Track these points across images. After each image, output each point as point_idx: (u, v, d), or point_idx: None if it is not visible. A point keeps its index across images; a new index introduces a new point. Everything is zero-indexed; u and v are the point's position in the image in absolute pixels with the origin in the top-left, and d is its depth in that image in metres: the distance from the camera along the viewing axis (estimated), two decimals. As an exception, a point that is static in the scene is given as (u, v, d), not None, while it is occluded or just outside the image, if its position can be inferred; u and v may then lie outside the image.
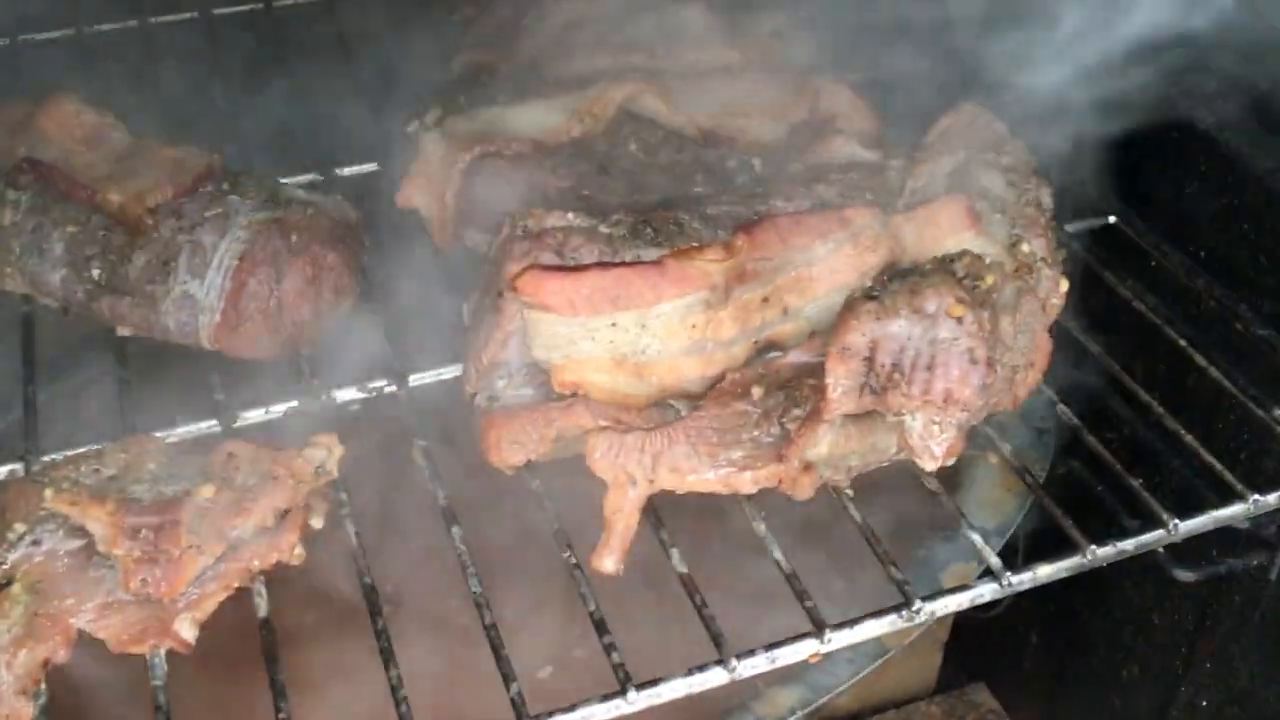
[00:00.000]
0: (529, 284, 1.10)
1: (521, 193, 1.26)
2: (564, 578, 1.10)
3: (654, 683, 1.03)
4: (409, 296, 1.36)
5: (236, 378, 1.27)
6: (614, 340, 1.13)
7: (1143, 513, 1.18)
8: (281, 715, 0.98)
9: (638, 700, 1.02)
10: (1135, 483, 1.20)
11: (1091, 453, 1.25)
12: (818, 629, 1.07)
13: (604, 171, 1.28)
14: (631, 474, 1.09)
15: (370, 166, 1.54)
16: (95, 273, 1.26)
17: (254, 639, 1.03)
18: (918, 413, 1.09)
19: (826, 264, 1.18)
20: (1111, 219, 1.50)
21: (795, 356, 1.17)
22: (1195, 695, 1.59)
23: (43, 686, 1.00)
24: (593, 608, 1.06)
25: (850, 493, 1.16)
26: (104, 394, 1.29)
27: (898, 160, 1.35)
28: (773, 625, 1.10)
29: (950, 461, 1.12)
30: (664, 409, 1.16)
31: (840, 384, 1.08)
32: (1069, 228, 1.47)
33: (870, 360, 1.08)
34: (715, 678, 1.04)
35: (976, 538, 1.15)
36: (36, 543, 1.05)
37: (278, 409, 1.25)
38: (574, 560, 1.11)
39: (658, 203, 1.24)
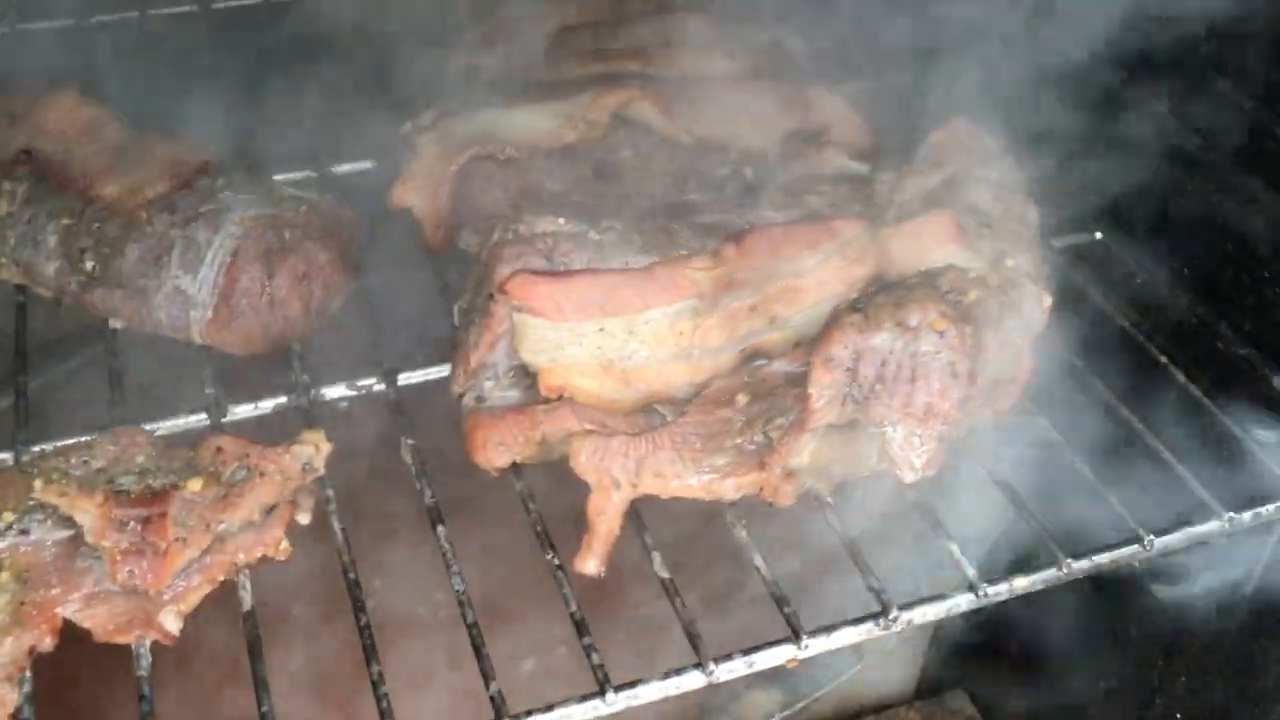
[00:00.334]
0: (519, 287, 1.11)
1: (514, 197, 1.27)
2: (546, 578, 1.11)
3: (632, 684, 1.04)
4: (400, 296, 1.37)
5: (226, 372, 1.28)
6: (601, 345, 1.14)
7: (1119, 527, 1.20)
8: (264, 709, 0.99)
9: (616, 701, 1.03)
10: (1112, 497, 1.21)
11: (1070, 466, 1.27)
12: (795, 635, 1.08)
13: (597, 177, 1.30)
14: (615, 478, 1.10)
15: (365, 164, 1.55)
16: (89, 265, 1.27)
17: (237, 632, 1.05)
18: (899, 424, 1.11)
19: (814, 275, 1.20)
20: (1097, 235, 1.52)
21: (780, 366, 1.19)
22: (1170, 709, 1.61)
23: (28, 674, 1.01)
24: (574, 609, 1.08)
25: (830, 501, 1.17)
26: (94, 385, 1.30)
27: (887, 173, 1.36)
28: (750, 631, 1.11)
29: (930, 473, 1.13)
30: (649, 414, 1.17)
31: (823, 394, 1.10)
32: (1054, 243, 1.48)
33: (854, 371, 1.10)
34: (693, 681, 1.05)
35: (954, 548, 1.16)
36: (24, 532, 1.06)
37: (266, 405, 1.26)
38: (557, 561, 1.12)
39: (649, 210, 1.26)
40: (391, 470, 1.24)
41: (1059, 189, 1.47)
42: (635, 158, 1.35)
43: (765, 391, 1.17)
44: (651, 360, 1.16)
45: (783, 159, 1.40)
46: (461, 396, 1.20)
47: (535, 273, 1.13)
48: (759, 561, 1.13)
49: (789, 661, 1.09)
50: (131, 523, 1.03)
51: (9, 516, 1.07)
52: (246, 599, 1.07)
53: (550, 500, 1.16)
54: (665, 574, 1.12)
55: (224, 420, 1.24)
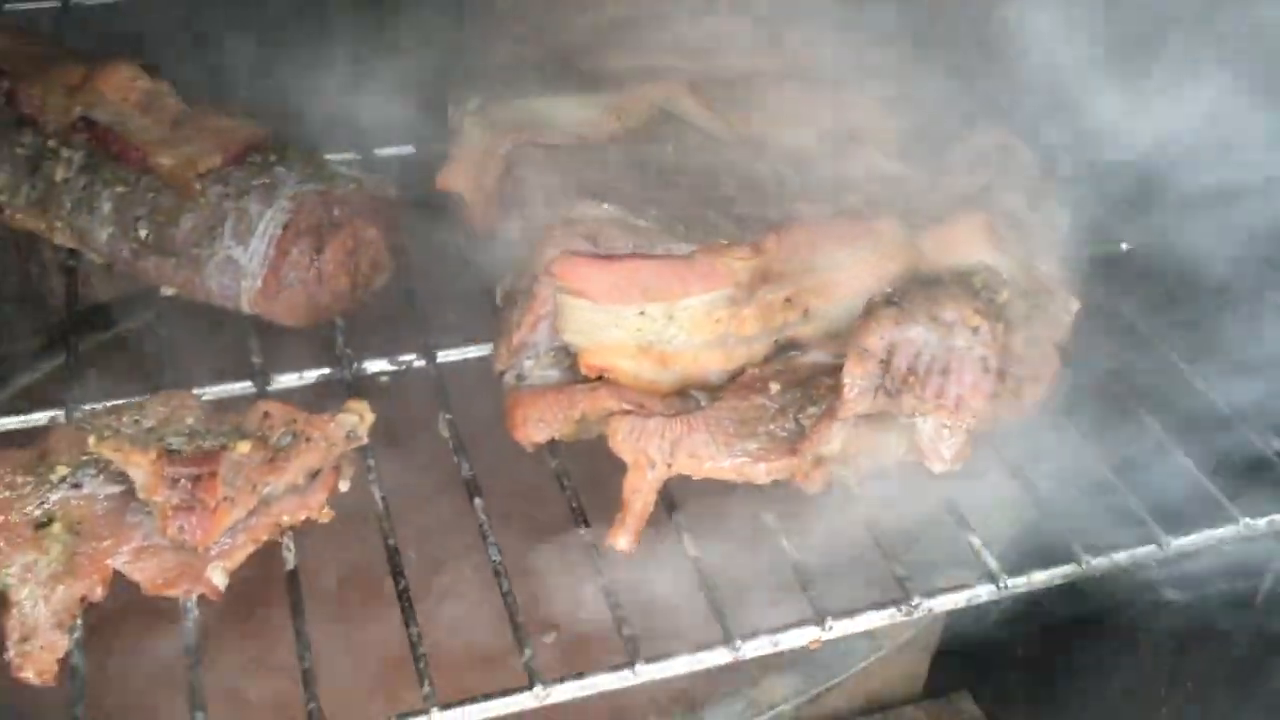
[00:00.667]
0: (565, 269, 1.14)
1: (558, 183, 1.30)
2: (575, 550, 1.15)
3: (661, 657, 1.07)
4: (440, 275, 1.40)
5: (271, 342, 1.31)
6: (641, 329, 1.17)
7: (1137, 528, 1.23)
8: (305, 665, 1.02)
9: (644, 673, 1.06)
10: (1133, 498, 1.24)
11: (1091, 466, 1.30)
12: (819, 617, 1.11)
13: (639, 167, 1.33)
14: (651, 457, 1.13)
15: (408, 149, 1.59)
16: (142, 233, 1.30)
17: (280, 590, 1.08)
18: (929, 416, 1.14)
19: (849, 270, 1.23)
20: (1124, 245, 1.55)
21: (814, 355, 1.22)
22: (1177, 715, 1.63)
23: (78, 621, 1.04)
24: (605, 582, 1.11)
25: (858, 489, 1.20)
26: (142, 349, 1.33)
27: (922, 174, 1.39)
28: (775, 610, 1.14)
29: (958, 466, 1.16)
30: (684, 398, 1.21)
31: (857, 384, 1.13)
32: (1084, 251, 1.51)
33: (887, 363, 1.13)
34: (720, 656, 1.08)
35: (975, 540, 1.19)
36: (77, 485, 1.09)
37: (310, 375, 1.29)
38: (589, 538, 1.15)
39: (690, 200, 1.29)
40: (429, 442, 1.27)
41: (1088, 198, 1.50)
42: (677, 150, 1.38)
43: (798, 380, 1.20)
44: (688, 345, 1.19)
45: (820, 157, 1.43)
46: (503, 374, 1.23)
47: (581, 255, 1.16)
48: (786, 544, 1.16)
49: (813, 643, 1.12)
50: (182, 480, 1.06)
51: (62, 470, 1.10)
52: (290, 559, 1.11)
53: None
54: (695, 552, 1.15)
55: (268, 389, 1.27)
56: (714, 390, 1.20)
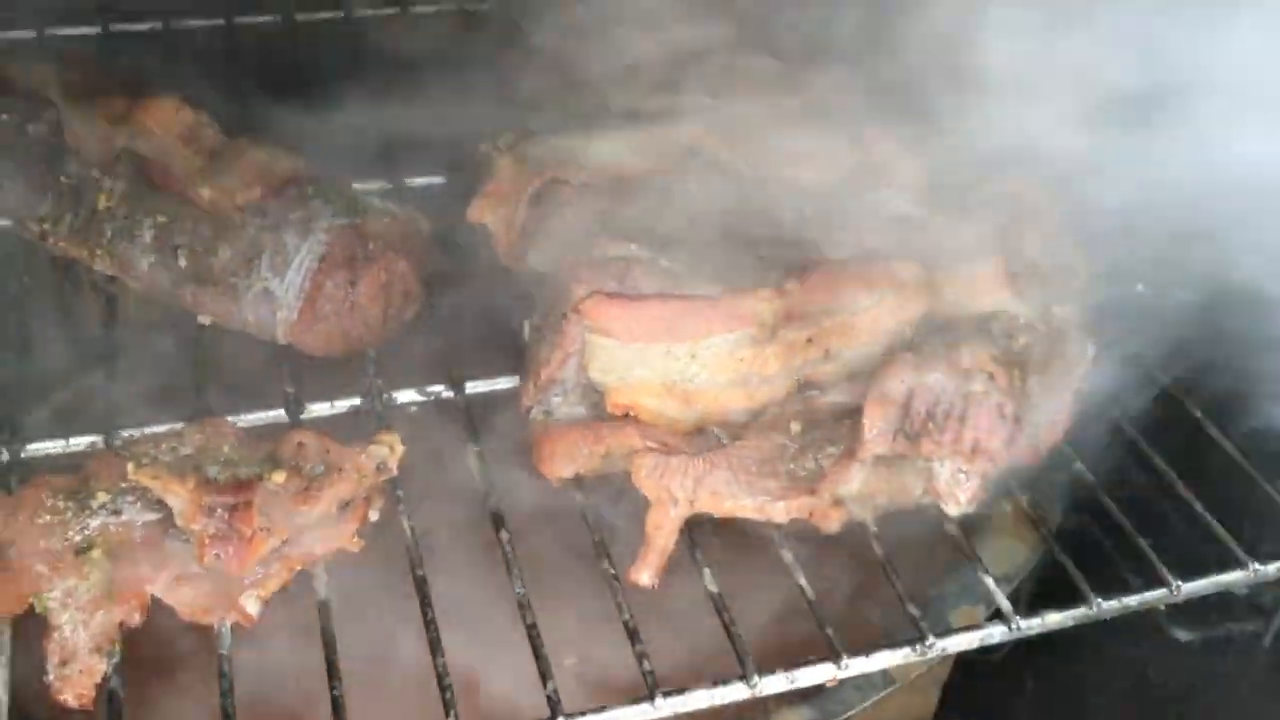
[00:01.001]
0: (594, 308, 1.17)
1: (587, 221, 1.33)
2: (596, 585, 1.17)
3: (680, 691, 1.10)
4: (469, 308, 1.43)
5: (303, 372, 1.34)
6: (666, 367, 1.20)
7: (1147, 571, 1.25)
8: (335, 693, 1.05)
9: (664, 707, 1.09)
10: (1144, 543, 1.27)
11: (1102, 510, 1.32)
12: (835, 655, 1.14)
13: (667, 207, 1.35)
14: (674, 494, 1.16)
15: (438, 179, 1.62)
16: (182, 262, 1.34)
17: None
18: (946, 460, 1.17)
19: (870, 313, 1.26)
20: (1140, 288, 1.57)
21: (834, 396, 1.25)
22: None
23: (116, 646, 1.07)
24: (626, 617, 1.14)
25: (875, 529, 1.23)
26: (180, 377, 1.37)
27: (943, 217, 1.42)
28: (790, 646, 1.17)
29: (972, 508, 1.19)
30: (707, 436, 1.23)
31: (876, 427, 1.16)
32: (1098, 297, 1.53)
33: (906, 407, 1.16)
34: (737, 692, 1.11)
35: (990, 581, 1.22)
36: (117, 512, 1.12)
37: (341, 405, 1.32)
38: (612, 571, 1.18)
39: (715, 241, 1.32)
40: (456, 474, 1.31)
41: (1105, 244, 1.53)
42: (703, 190, 1.41)
43: (818, 421, 1.23)
44: (711, 384, 1.22)
45: (842, 198, 1.45)
46: (530, 410, 1.26)
47: (609, 295, 1.19)
48: (803, 581, 1.19)
49: (829, 681, 1.15)
50: (219, 509, 1.09)
51: (103, 496, 1.13)
52: (321, 588, 1.14)
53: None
54: (714, 588, 1.18)
55: (301, 418, 1.30)
56: (735, 429, 1.23)
